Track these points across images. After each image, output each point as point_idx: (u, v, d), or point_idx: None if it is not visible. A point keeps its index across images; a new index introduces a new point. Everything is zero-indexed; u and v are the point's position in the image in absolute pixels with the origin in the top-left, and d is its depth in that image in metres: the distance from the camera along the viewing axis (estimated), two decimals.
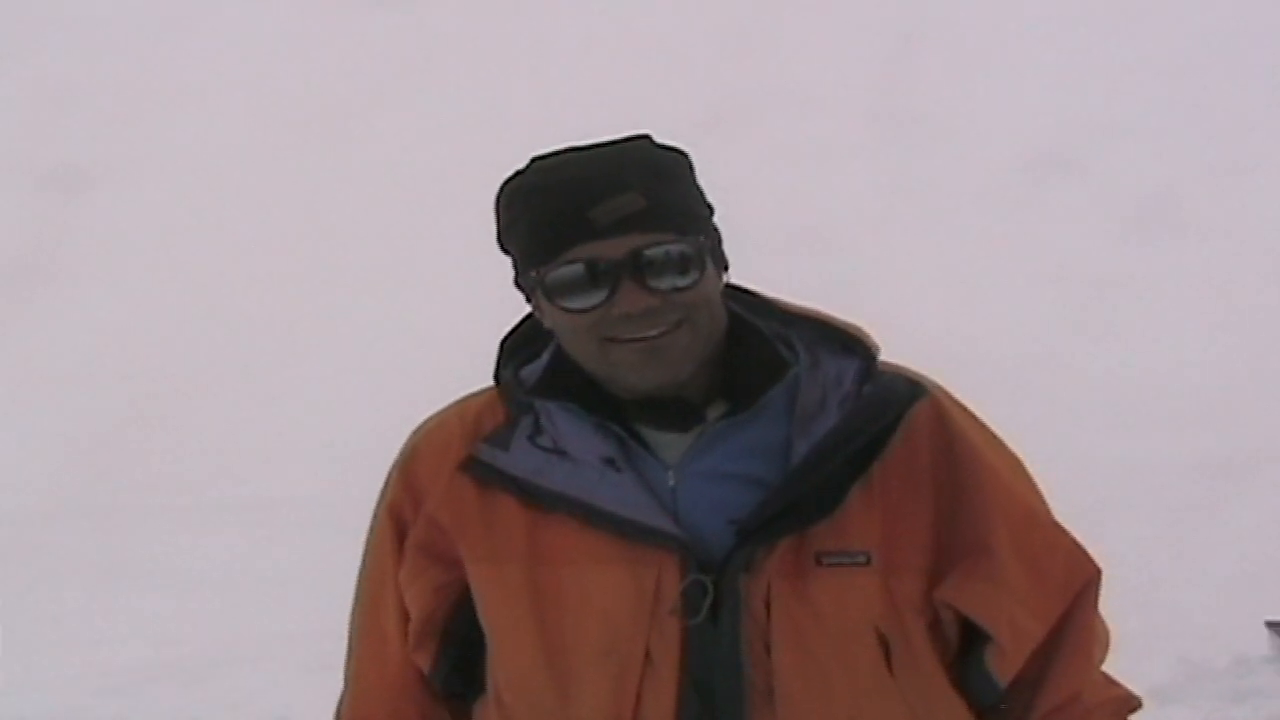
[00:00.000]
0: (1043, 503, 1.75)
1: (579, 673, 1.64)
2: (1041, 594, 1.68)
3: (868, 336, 1.72)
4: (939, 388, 1.73)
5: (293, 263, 13.53)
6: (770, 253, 14.15)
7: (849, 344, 1.71)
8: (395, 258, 13.86)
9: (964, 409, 1.74)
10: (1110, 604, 1.77)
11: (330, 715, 1.85)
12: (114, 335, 12.44)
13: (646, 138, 1.68)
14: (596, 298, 1.60)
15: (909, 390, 1.69)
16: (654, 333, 1.60)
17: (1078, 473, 10.39)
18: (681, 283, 1.60)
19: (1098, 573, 1.73)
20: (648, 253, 1.59)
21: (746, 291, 1.75)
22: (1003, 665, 1.68)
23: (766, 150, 14.39)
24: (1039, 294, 13.67)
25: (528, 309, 1.76)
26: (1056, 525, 1.73)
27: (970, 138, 14.91)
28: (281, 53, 15.29)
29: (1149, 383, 12.21)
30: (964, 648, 1.70)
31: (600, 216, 1.59)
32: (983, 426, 1.75)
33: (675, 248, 1.60)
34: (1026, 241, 14.03)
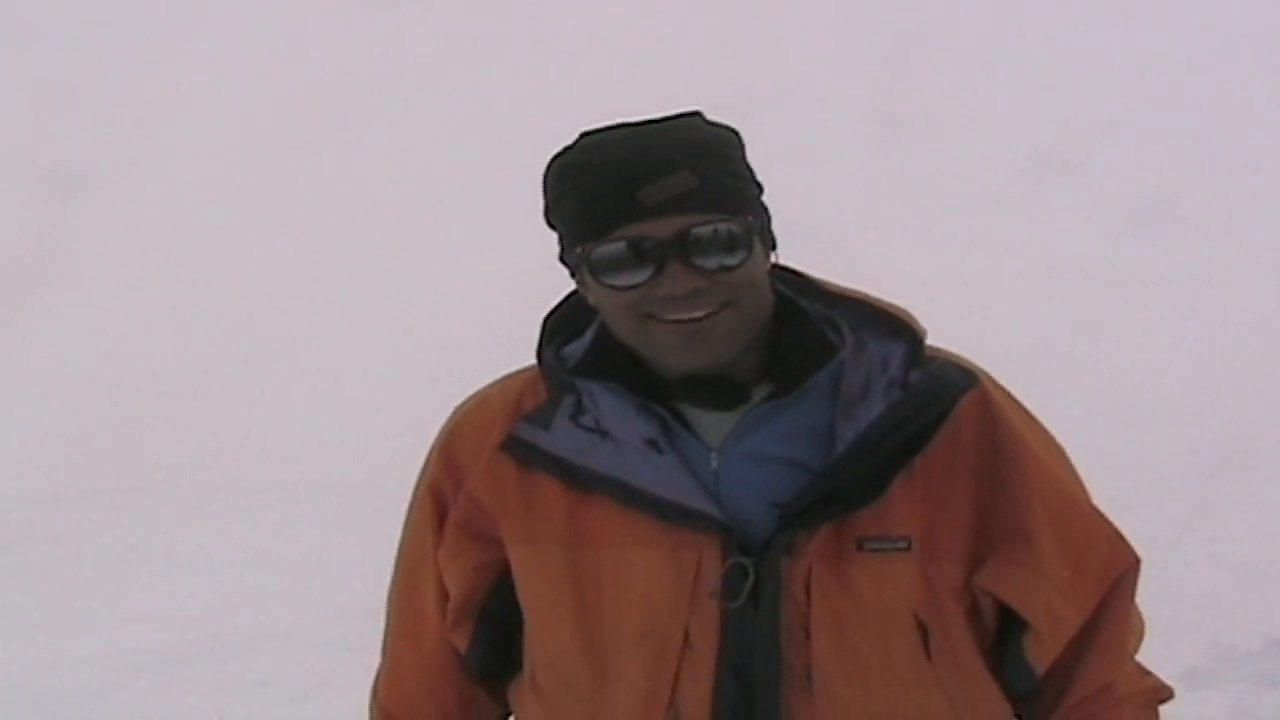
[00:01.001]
0: (1084, 491, 1.74)
1: (616, 655, 1.63)
2: (1079, 582, 1.68)
3: (914, 320, 1.71)
4: (987, 375, 1.73)
5: (294, 261, 13.53)
6: None
7: (895, 328, 1.70)
8: (396, 256, 13.87)
9: (1009, 396, 1.74)
10: (1141, 589, 1.76)
11: (356, 693, 1.86)
12: (118, 330, 12.44)
13: (698, 114, 1.66)
14: (642, 275, 1.58)
15: (960, 380, 1.67)
16: (700, 314, 1.58)
17: (1085, 466, 10.40)
18: (729, 262, 1.58)
19: (1136, 562, 1.73)
20: (695, 231, 1.57)
21: (793, 272, 1.74)
22: (1040, 652, 1.67)
23: (765, 149, 14.28)
24: (1039, 293, 13.69)
25: (553, 292, 1.76)
26: (1097, 513, 1.73)
27: (970, 137, 14.92)
28: (281, 53, 15.28)
29: (1150, 381, 12.23)
30: (1000, 634, 1.69)
31: (650, 196, 1.57)
32: (1026, 413, 1.74)
33: (723, 226, 1.58)
34: (1026, 241, 14.05)
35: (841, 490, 1.59)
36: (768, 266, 1.67)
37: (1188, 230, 14.03)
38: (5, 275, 13.07)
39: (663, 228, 1.57)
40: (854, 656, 1.60)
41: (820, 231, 14.48)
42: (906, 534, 1.62)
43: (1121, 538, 1.72)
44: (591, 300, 1.67)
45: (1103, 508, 1.75)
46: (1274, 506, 8.21)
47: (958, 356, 1.73)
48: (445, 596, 1.73)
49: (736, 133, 1.67)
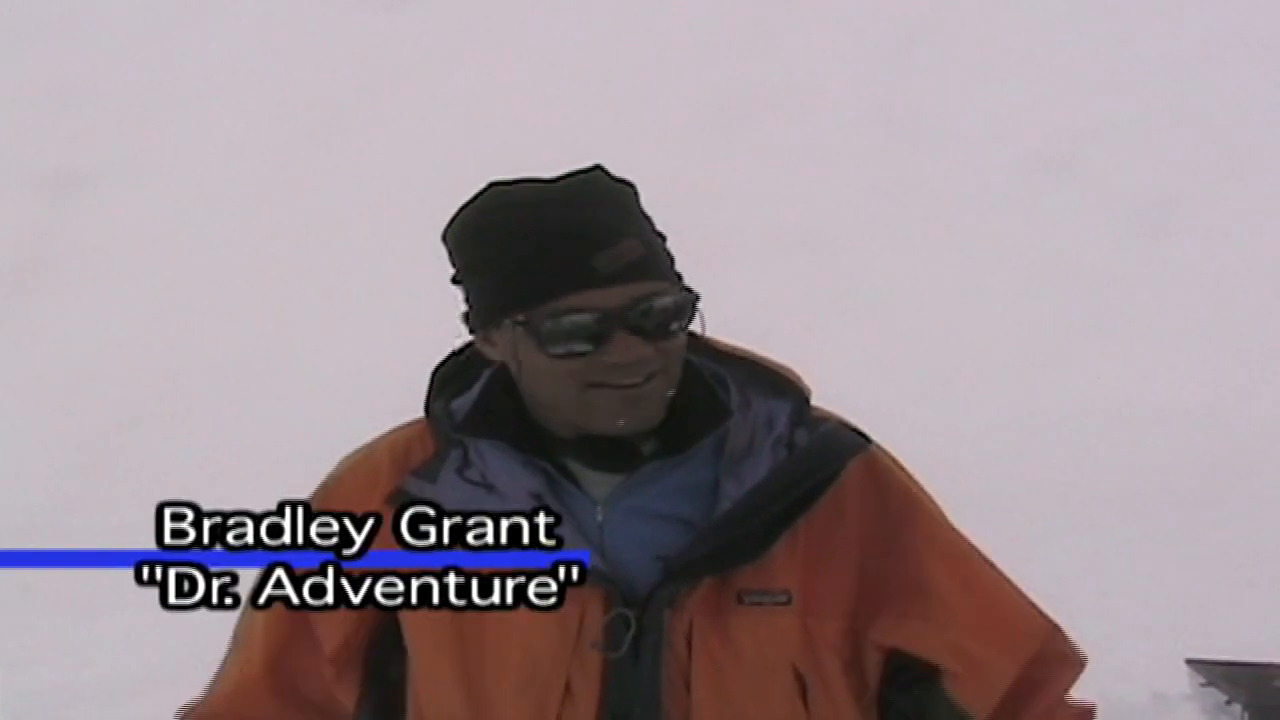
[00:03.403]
0: (975, 548, 1.77)
1: (498, 705, 1.65)
2: (992, 622, 1.71)
3: (799, 379, 1.73)
4: (875, 443, 1.74)
5: (294, 265, 13.54)
6: (770, 252, 14.16)
7: (780, 386, 1.72)
8: (399, 259, 13.88)
9: (896, 461, 1.77)
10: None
11: None
12: (113, 337, 12.46)
13: (600, 168, 1.66)
14: (589, 345, 1.58)
15: (850, 443, 1.70)
16: (640, 380, 1.60)
17: (1076, 472, 10.44)
18: (672, 330, 1.61)
19: (1054, 628, 1.77)
20: (648, 304, 1.59)
21: None
22: (967, 693, 1.70)
23: (766, 150, 14.40)
24: (1039, 294, 13.68)
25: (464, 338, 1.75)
26: (990, 564, 1.77)
27: (971, 138, 14.90)
28: (282, 53, 15.30)
29: (1149, 384, 12.22)
30: (921, 689, 1.72)
31: (604, 264, 1.57)
32: (912, 477, 1.77)
33: (670, 299, 1.61)
34: (1027, 242, 14.03)
35: (725, 547, 1.62)
36: None
37: (1188, 231, 14.01)
38: (4, 275, 13.12)
39: (614, 296, 1.57)
40: (732, 708, 1.63)
41: (820, 231, 14.50)
42: (787, 588, 1.64)
43: (1033, 607, 1.77)
44: (501, 357, 1.67)
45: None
46: (1179, 554, 8.17)
47: (847, 421, 1.74)
48: (279, 639, 1.75)
49: (634, 186, 1.68)
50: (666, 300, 1.60)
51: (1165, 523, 8.91)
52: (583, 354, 1.58)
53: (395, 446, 1.74)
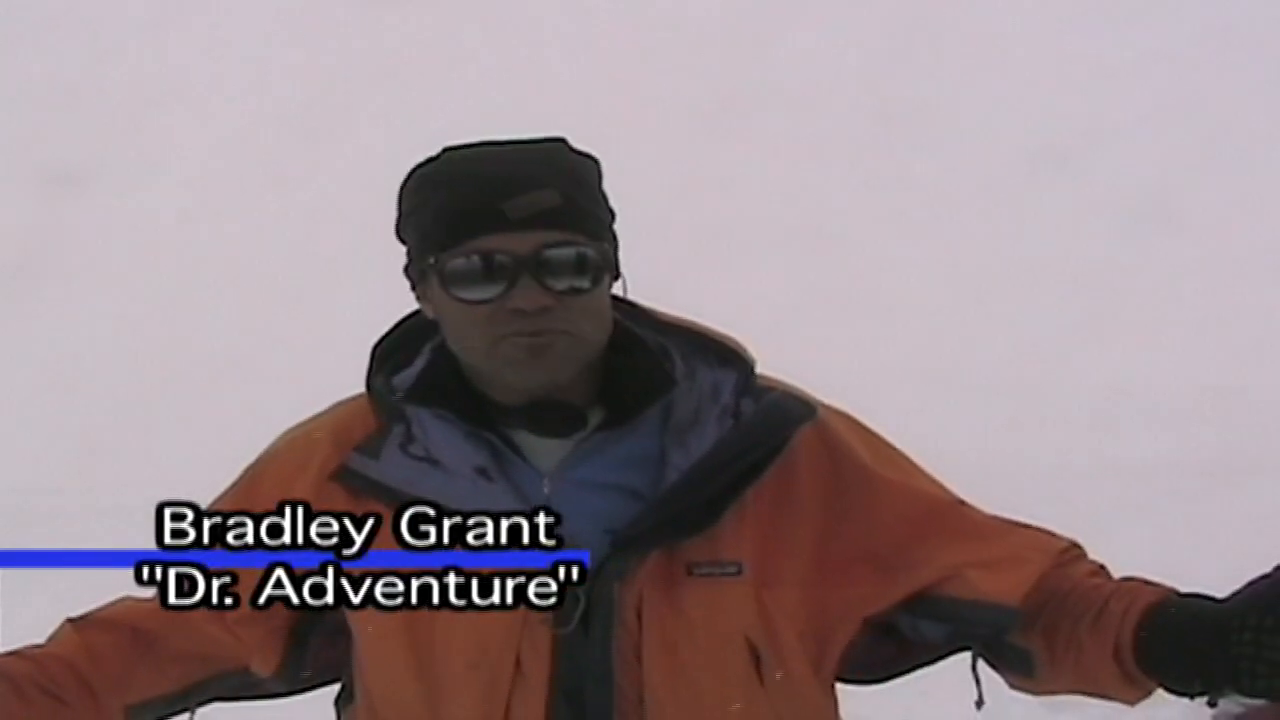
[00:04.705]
0: (945, 490, 1.76)
1: (448, 683, 1.63)
2: (1002, 556, 1.69)
3: (744, 349, 1.72)
4: (827, 407, 1.73)
5: (294, 262, 13.55)
6: (768, 248, 14.15)
7: (725, 355, 1.71)
8: (400, 258, 13.86)
9: (851, 422, 1.75)
10: None
11: None
12: (111, 334, 12.46)
13: (563, 140, 1.68)
14: (493, 290, 1.59)
15: (797, 412, 1.68)
16: (542, 331, 1.59)
17: (1080, 471, 10.44)
18: (580, 284, 1.60)
19: (1074, 542, 1.76)
20: (553, 251, 1.59)
21: (626, 301, 1.75)
22: (990, 582, 1.67)
23: (764, 146, 14.41)
24: (1039, 292, 13.70)
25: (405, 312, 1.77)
26: (963, 503, 1.75)
27: (969, 133, 14.91)
28: (281, 52, 15.32)
29: (1150, 382, 12.23)
30: (931, 606, 1.70)
31: (513, 209, 1.58)
32: (868, 435, 1.75)
33: (580, 250, 1.60)
34: (1027, 239, 14.05)
35: (674, 518, 1.61)
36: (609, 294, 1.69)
37: (1189, 228, 14.01)
38: (4, 275, 13.13)
39: (520, 242, 1.58)
40: (685, 681, 1.62)
41: (819, 228, 14.48)
42: (737, 559, 1.63)
43: (1046, 531, 1.76)
44: (433, 313, 1.68)
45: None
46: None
47: (796, 388, 1.73)
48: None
49: (598, 162, 1.69)
50: (571, 250, 1.60)
51: (1167, 514, 8.93)
52: (487, 300, 1.59)
53: (337, 424, 1.74)
